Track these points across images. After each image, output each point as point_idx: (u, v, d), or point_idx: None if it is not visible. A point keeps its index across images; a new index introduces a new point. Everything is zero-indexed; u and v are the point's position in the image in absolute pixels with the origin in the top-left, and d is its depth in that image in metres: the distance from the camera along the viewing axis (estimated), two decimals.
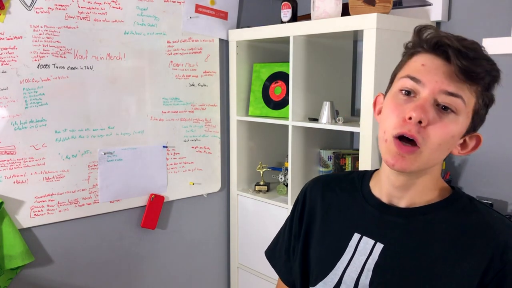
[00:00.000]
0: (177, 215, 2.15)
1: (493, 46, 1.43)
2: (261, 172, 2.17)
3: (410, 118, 0.77)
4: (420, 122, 0.76)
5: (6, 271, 1.65)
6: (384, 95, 0.88)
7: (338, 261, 0.90)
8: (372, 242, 0.87)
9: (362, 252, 0.88)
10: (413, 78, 0.79)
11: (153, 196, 2.01)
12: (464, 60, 0.76)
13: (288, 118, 1.94)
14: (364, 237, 0.89)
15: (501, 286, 0.76)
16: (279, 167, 2.21)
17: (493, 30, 1.64)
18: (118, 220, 1.96)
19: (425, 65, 0.79)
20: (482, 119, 0.83)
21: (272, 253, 1.11)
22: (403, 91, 0.80)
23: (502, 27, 1.60)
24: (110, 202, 1.91)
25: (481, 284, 0.77)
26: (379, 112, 0.89)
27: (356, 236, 0.90)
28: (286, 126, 1.97)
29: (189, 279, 2.23)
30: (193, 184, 2.16)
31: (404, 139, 0.79)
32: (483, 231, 0.81)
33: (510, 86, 1.64)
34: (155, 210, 2.03)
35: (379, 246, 0.86)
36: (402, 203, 0.88)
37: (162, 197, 2.04)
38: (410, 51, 0.84)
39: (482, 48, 0.81)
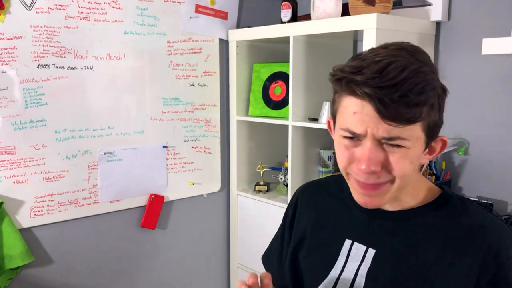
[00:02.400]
0: (177, 215, 2.15)
1: (493, 46, 1.43)
2: (261, 172, 2.17)
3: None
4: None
5: (6, 271, 1.65)
6: (333, 124, 0.85)
7: (331, 268, 0.90)
8: (363, 248, 0.87)
9: (355, 259, 0.87)
10: (351, 132, 0.77)
11: (153, 196, 2.01)
12: (389, 109, 0.71)
13: (288, 118, 1.94)
14: (355, 243, 0.88)
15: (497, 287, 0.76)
16: (279, 167, 2.21)
17: (493, 30, 1.64)
18: (118, 220, 1.96)
19: (356, 113, 0.75)
20: (438, 124, 0.80)
21: (267, 259, 1.12)
22: (346, 138, 0.79)
23: (502, 27, 1.60)
24: (110, 202, 1.91)
25: (477, 287, 0.77)
26: None
27: (348, 242, 0.89)
28: (286, 126, 1.97)
29: (189, 279, 2.23)
30: (193, 184, 2.16)
31: None
32: (475, 233, 0.80)
33: (510, 86, 1.64)
34: (155, 210, 2.03)
35: (371, 252, 0.86)
36: (390, 207, 0.87)
37: (162, 197, 2.04)
38: (336, 91, 0.80)
39: (407, 67, 0.72)
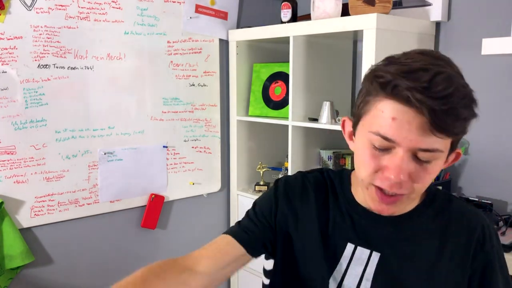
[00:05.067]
0: (177, 215, 2.15)
1: (493, 46, 1.43)
2: (261, 172, 2.17)
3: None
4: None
5: (6, 271, 1.65)
6: (352, 121, 0.83)
7: (333, 271, 0.89)
8: (367, 251, 0.87)
9: (358, 263, 0.87)
10: (385, 138, 0.72)
11: (153, 196, 2.01)
12: (443, 120, 0.68)
13: (288, 118, 1.94)
14: (358, 247, 0.88)
15: (485, 275, 0.84)
16: (279, 167, 2.21)
17: (493, 30, 1.64)
18: (118, 220, 1.96)
19: (395, 119, 0.70)
20: (461, 138, 0.79)
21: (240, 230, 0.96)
22: (377, 147, 0.75)
23: (502, 27, 1.60)
24: (110, 202, 1.91)
25: (470, 277, 0.84)
26: (351, 137, 0.86)
27: (350, 246, 0.89)
28: (286, 126, 1.97)
29: None
30: (193, 184, 2.16)
31: None
32: (464, 226, 0.86)
33: (510, 86, 1.64)
34: (155, 210, 2.03)
35: (376, 255, 0.86)
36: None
37: (162, 197, 2.04)
38: (371, 93, 0.75)
39: (451, 79, 0.70)
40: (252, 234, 0.93)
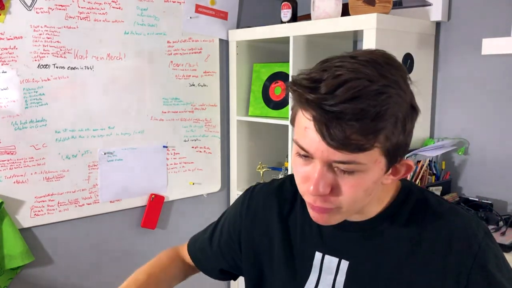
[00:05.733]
0: (177, 215, 2.15)
1: (493, 46, 1.43)
2: (261, 172, 2.17)
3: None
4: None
5: (6, 271, 1.65)
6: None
7: (306, 282, 0.87)
8: (336, 260, 0.84)
9: (328, 271, 0.85)
10: (302, 148, 0.71)
11: (153, 196, 2.01)
12: (334, 136, 0.64)
13: (288, 118, 1.94)
14: (326, 256, 0.85)
15: (473, 279, 0.74)
16: (279, 167, 2.21)
17: (493, 30, 1.64)
18: (118, 220, 1.96)
19: (307, 129, 0.68)
20: (402, 147, 0.72)
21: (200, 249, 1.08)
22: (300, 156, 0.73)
23: (502, 27, 1.60)
24: (110, 202, 1.91)
25: (458, 284, 0.75)
26: None
27: (318, 255, 0.86)
28: (286, 126, 1.97)
29: (189, 279, 2.22)
30: (193, 184, 2.16)
31: None
32: (440, 228, 0.78)
33: (510, 86, 1.64)
34: (155, 210, 2.03)
35: (345, 264, 0.83)
36: (355, 218, 0.82)
37: (162, 197, 2.04)
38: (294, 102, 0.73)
39: (364, 88, 0.64)
40: (206, 259, 1.07)
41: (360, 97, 0.64)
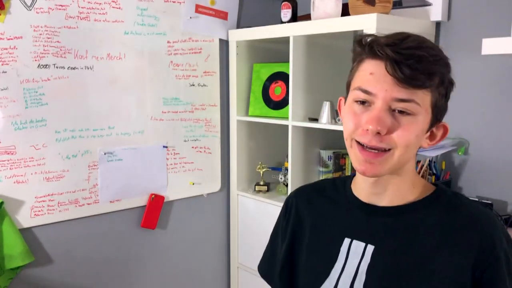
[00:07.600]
0: (177, 215, 2.15)
1: (493, 46, 1.43)
2: (261, 172, 2.17)
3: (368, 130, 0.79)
4: (378, 133, 0.78)
5: (6, 271, 1.65)
6: (345, 99, 0.89)
7: (332, 269, 0.90)
8: (363, 244, 0.88)
9: (354, 256, 0.88)
10: (364, 91, 0.80)
11: (153, 196, 2.01)
12: (403, 70, 0.76)
13: (288, 118, 1.94)
14: (354, 241, 0.89)
15: (493, 279, 0.79)
16: (279, 167, 2.21)
17: (493, 30, 1.64)
18: (118, 220, 1.96)
19: (373, 73, 0.79)
20: (443, 108, 0.84)
21: (269, 270, 1.07)
22: (358, 102, 0.82)
23: (502, 27, 1.60)
24: (110, 202, 1.91)
25: (473, 278, 0.79)
26: (341, 109, 0.93)
27: (347, 241, 0.90)
28: (286, 126, 1.97)
29: (189, 279, 2.23)
30: (193, 184, 2.16)
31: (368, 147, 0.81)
32: (471, 225, 0.82)
33: (510, 86, 1.64)
34: (155, 210, 2.03)
35: (370, 248, 0.86)
36: (383, 202, 0.88)
37: (162, 197, 2.04)
38: (357, 58, 0.84)
39: (423, 43, 0.80)
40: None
41: (423, 47, 0.78)
